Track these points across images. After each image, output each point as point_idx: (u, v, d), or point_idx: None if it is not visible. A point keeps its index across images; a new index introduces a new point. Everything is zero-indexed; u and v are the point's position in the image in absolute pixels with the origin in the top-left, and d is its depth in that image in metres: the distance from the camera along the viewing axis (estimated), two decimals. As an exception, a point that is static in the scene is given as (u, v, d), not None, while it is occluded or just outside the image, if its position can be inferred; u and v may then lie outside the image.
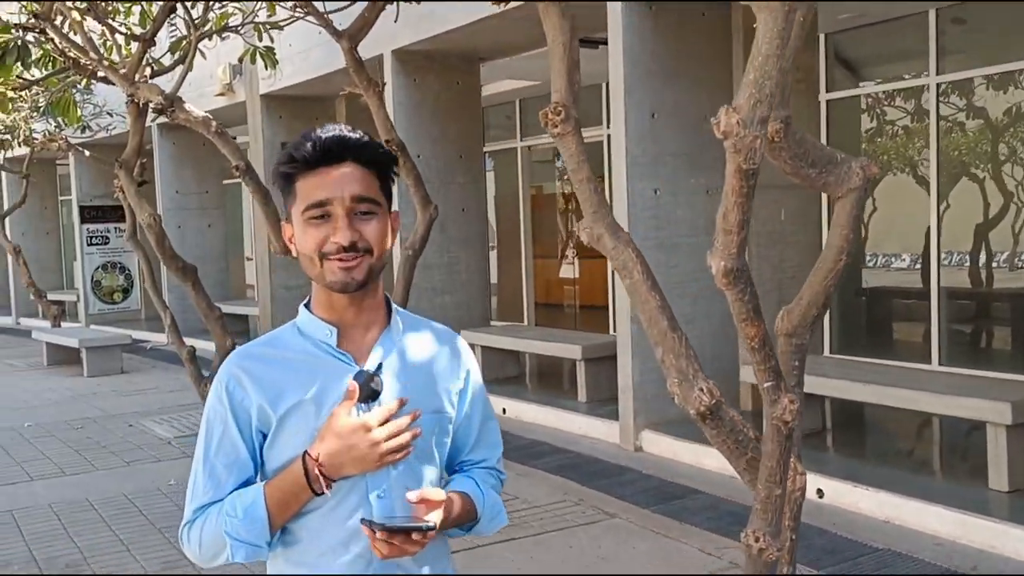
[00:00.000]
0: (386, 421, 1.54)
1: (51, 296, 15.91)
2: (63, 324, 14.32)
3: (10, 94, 8.30)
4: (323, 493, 1.55)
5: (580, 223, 3.15)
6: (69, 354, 12.14)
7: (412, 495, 1.53)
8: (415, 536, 1.48)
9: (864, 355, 7.11)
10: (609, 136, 8.31)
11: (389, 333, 1.67)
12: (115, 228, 17.03)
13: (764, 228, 6.90)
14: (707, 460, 5.92)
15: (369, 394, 1.57)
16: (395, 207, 1.67)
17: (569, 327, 10.55)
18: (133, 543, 5.04)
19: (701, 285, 6.66)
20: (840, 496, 5.13)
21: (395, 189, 1.70)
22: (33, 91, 9.50)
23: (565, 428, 7.32)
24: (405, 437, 1.54)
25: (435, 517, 1.54)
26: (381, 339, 1.65)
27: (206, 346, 10.36)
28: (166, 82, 6.03)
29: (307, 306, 1.67)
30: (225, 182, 15.43)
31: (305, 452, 1.54)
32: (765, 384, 2.62)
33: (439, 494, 1.57)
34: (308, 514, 1.59)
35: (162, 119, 12.11)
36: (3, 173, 15.32)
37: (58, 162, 19.11)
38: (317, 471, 1.53)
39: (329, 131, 1.58)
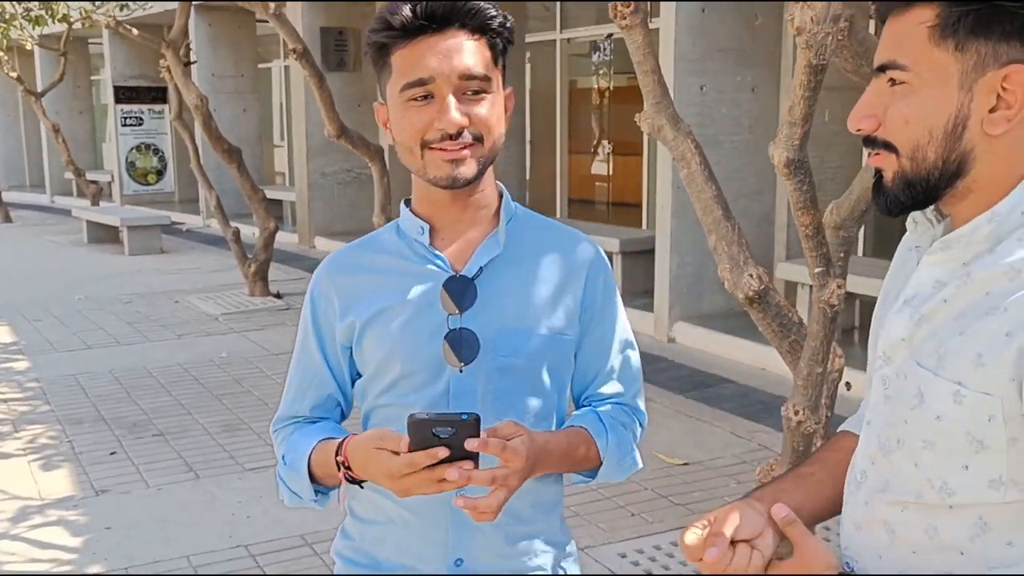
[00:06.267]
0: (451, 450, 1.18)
1: (87, 176, 16.14)
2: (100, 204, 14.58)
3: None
4: (358, 484, 1.34)
5: (640, 114, 3.28)
6: (108, 232, 12.43)
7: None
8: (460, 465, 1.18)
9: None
10: (656, 30, 8.26)
11: (497, 233, 1.41)
12: (149, 109, 17.10)
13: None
14: (738, 352, 6.13)
15: (460, 305, 1.37)
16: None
17: (602, 223, 10.68)
18: (193, 407, 5.35)
19: (741, 184, 6.76)
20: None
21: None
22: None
23: (598, 319, 7.51)
24: (430, 487, 1.21)
25: (513, 450, 1.21)
26: (487, 240, 1.40)
27: (244, 229, 10.59)
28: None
29: (407, 202, 1.45)
30: (260, 66, 15.41)
31: (343, 439, 1.35)
32: (816, 269, 2.80)
33: (508, 429, 1.25)
34: None
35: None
36: (37, 50, 15.31)
37: (90, 41, 19.07)
38: (344, 468, 1.33)
39: None
